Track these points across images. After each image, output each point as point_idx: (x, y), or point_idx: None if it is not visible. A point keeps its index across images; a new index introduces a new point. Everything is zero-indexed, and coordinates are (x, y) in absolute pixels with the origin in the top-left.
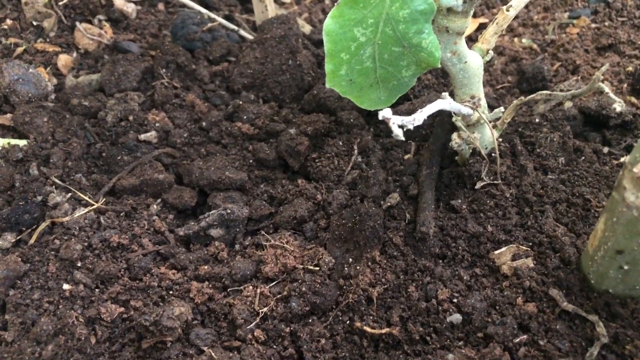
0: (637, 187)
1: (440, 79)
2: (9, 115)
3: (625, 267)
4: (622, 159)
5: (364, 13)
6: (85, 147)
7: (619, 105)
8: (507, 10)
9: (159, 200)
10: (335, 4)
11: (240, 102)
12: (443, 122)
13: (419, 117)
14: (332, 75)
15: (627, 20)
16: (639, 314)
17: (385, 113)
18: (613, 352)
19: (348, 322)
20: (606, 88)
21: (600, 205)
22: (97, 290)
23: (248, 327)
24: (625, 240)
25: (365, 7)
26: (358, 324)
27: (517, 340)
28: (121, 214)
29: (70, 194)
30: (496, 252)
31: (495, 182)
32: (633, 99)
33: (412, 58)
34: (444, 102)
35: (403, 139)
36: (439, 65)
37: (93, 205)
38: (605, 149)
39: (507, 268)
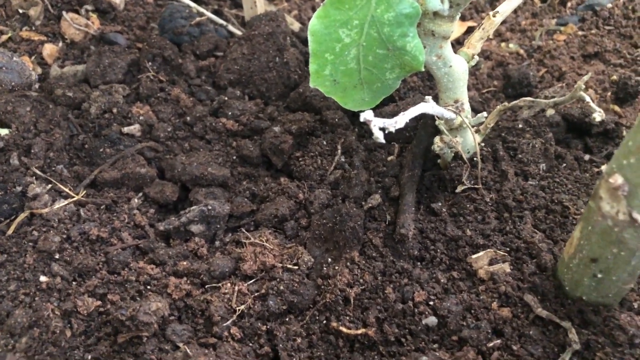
0: (612, 198)
1: (426, 82)
2: None
3: (599, 276)
4: (602, 167)
5: (349, 14)
6: (68, 138)
7: (598, 115)
8: (494, 16)
9: (140, 194)
10: (322, 4)
11: (226, 98)
12: (426, 125)
13: (400, 120)
14: (316, 75)
15: (613, 29)
16: (610, 322)
17: (367, 115)
18: (584, 358)
19: (325, 321)
20: (587, 97)
21: (579, 212)
22: (74, 283)
23: (224, 324)
24: (599, 249)
25: (351, 8)
26: (334, 324)
27: (491, 344)
28: (101, 207)
29: (50, 185)
30: (474, 256)
31: (476, 186)
32: (616, 108)
33: (396, 61)
34: (427, 106)
35: (383, 141)
36: (423, 69)
37: (73, 197)
38: (587, 157)
39: (483, 272)
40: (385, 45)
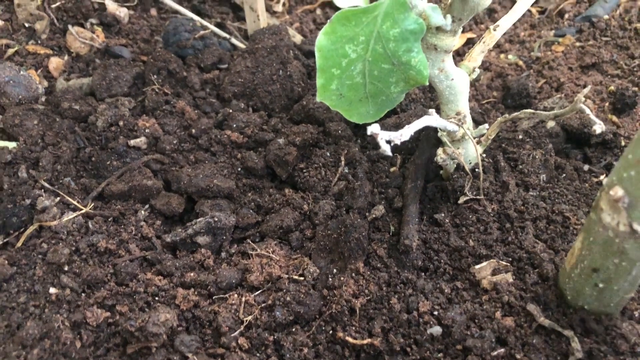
0: (613, 209)
1: (427, 94)
2: None
3: (601, 285)
4: (601, 177)
5: (355, 31)
6: (75, 151)
7: (599, 127)
8: (494, 30)
9: (147, 206)
10: (328, 20)
11: (230, 111)
12: (429, 136)
13: (405, 133)
14: (322, 89)
15: (610, 40)
16: (612, 331)
17: (374, 128)
18: None
19: (331, 332)
20: (587, 109)
21: (579, 222)
22: (83, 294)
23: (232, 334)
24: (600, 259)
25: (357, 25)
26: (340, 334)
27: (495, 353)
28: (109, 219)
29: (58, 198)
30: (477, 266)
31: (478, 197)
32: (614, 118)
33: (401, 75)
34: (431, 119)
35: (390, 154)
36: (427, 83)
37: (81, 209)
38: (586, 167)
39: (487, 282)
40: (390, 60)
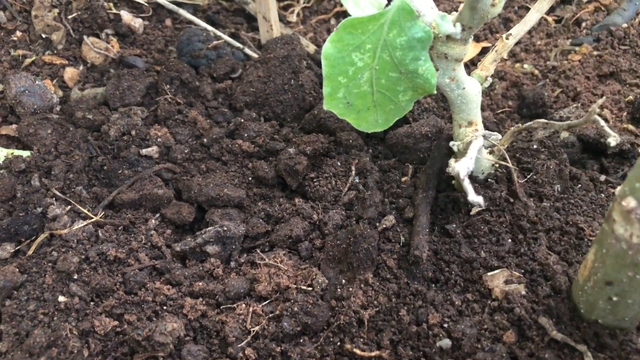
0: (626, 220)
1: (440, 103)
2: (14, 126)
3: (615, 299)
4: (618, 188)
5: (362, 39)
6: (87, 160)
7: (613, 140)
8: (507, 39)
9: (157, 215)
10: (335, 29)
11: (242, 120)
12: (440, 146)
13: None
14: (329, 97)
15: (629, 49)
16: (627, 346)
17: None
18: None
19: (338, 343)
20: (602, 121)
21: (594, 234)
22: (92, 303)
23: (239, 345)
24: (614, 272)
25: (364, 33)
26: (348, 346)
27: None
28: (119, 228)
29: (70, 207)
30: (489, 274)
31: (490, 208)
32: (632, 127)
33: (409, 84)
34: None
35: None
36: (435, 92)
37: (92, 218)
38: (602, 177)
39: (499, 291)
40: (397, 68)
